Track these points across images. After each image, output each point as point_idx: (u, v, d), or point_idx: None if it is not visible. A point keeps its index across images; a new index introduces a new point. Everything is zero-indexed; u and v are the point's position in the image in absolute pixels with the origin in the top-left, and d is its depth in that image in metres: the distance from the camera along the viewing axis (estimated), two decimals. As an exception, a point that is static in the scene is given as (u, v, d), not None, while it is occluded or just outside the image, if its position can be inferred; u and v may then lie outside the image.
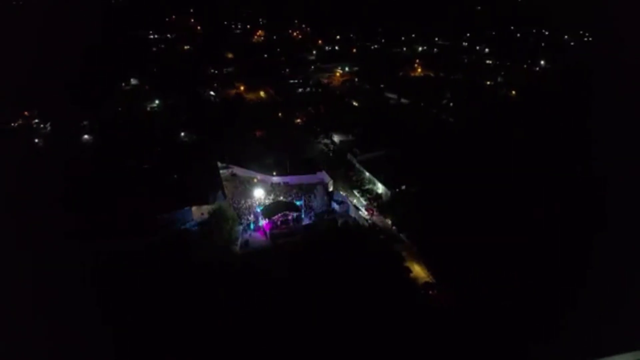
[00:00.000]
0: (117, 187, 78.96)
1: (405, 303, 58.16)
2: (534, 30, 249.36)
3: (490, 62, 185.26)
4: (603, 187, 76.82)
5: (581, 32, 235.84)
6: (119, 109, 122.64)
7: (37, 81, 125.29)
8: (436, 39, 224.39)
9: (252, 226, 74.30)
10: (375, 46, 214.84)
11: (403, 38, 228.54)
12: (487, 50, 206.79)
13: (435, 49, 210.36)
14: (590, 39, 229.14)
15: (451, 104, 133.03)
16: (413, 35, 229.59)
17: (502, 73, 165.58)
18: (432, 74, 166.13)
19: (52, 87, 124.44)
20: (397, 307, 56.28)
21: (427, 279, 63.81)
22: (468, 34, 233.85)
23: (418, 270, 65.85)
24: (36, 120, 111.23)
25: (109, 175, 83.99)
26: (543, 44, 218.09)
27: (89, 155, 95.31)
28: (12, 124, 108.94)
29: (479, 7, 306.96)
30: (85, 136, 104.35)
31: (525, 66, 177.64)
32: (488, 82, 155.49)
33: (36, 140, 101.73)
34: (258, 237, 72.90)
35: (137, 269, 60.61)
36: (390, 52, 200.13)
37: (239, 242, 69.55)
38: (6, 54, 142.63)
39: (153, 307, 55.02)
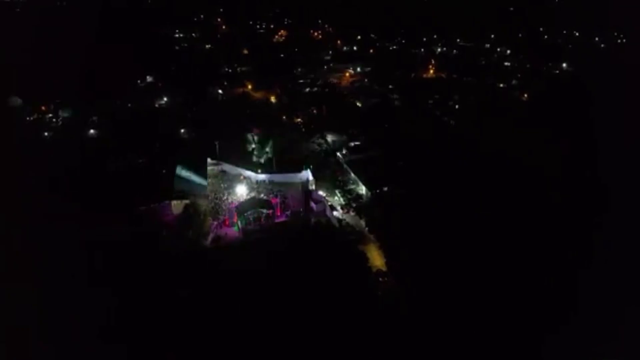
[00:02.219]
0: (107, 179, 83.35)
1: (357, 290, 60.41)
2: (565, 32, 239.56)
3: (509, 64, 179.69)
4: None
5: (615, 33, 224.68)
6: (129, 105, 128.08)
7: (57, 77, 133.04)
8: (458, 40, 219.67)
9: (227, 222, 76.36)
10: (394, 47, 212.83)
11: (425, 39, 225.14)
12: (508, 52, 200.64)
13: (454, 51, 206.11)
14: (624, 40, 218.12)
15: (456, 107, 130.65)
16: (435, 36, 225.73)
17: (518, 75, 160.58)
18: (444, 76, 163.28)
19: (70, 83, 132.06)
20: (349, 294, 58.96)
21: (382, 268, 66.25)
22: (492, 35, 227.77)
23: (379, 265, 67.55)
24: (50, 115, 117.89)
25: (103, 168, 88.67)
26: (570, 46, 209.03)
27: (90, 149, 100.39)
28: (28, 118, 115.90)
29: (512, 8, 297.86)
30: (91, 131, 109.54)
31: (545, 68, 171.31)
32: (501, 85, 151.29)
33: (45, 134, 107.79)
34: (232, 232, 74.91)
35: (109, 258, 64.04)
36: (407, 53, 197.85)
37: (210, 237, 71.69)
38: (27, 49, 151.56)
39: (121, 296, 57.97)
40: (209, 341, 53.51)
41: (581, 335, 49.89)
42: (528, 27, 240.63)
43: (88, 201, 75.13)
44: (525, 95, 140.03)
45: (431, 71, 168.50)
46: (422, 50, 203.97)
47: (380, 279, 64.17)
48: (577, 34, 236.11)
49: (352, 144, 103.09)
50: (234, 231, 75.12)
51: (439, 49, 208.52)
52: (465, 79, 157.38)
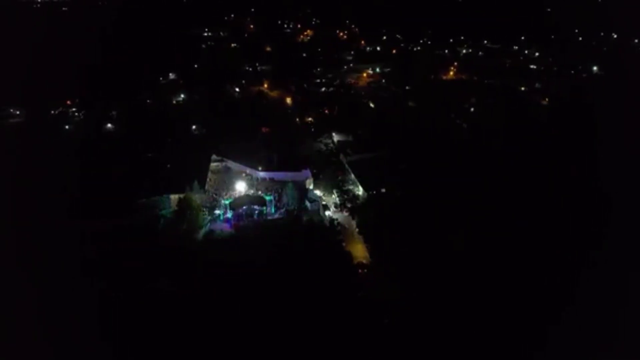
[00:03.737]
0: (115, 172, 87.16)
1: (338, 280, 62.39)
2: (602, 34, 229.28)
3: (535, 66, 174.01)
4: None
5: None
6: (148, 101, 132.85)
7: (82, 72, 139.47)
8: (485, 41, 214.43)
9: (222, 217, 78.25)
10: (418, 48, 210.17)
11: (451, 40, 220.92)
12: (537, 54, 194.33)
13: (480, 52, 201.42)
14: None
15: (472, 109, 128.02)
16: (462, 37, 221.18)
17: (543, 79, 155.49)
18: (465, 78, 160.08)
19: (95, 79, 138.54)
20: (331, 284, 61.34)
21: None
22: (523, 37, 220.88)
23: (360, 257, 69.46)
24: (73, 109, 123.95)
25: (113, 161, 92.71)
26: (605, 49, 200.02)
27: (105, 143, 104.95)
28: (53, 112, 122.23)
29: (549, 9, 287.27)
30: (108, 125, 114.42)
31: (573, 72, 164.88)
32: (522, 88, 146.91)
33: (67, 127, 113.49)
34: (225, 227, 76.66)
35: (107, 248, 67.10)
36: (431, 54, 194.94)
37: (202, 231, 73.73)
38: (56, 46, 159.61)
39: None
40: (191, 330, 55.16)
41: (581, 336, 49.90)
42: (562, 28, 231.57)
43: (94, 191, 79.23)
44: (546, 99, 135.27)
45: (451, 73, 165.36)
46: (446, 51, 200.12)
47: (360, 271, 65.98)
48: (615, 35, 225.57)
49: (356, 144, 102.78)
50: (227, 226, 76.76)
51: (464, 51, 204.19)
52: (486, 82, 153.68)
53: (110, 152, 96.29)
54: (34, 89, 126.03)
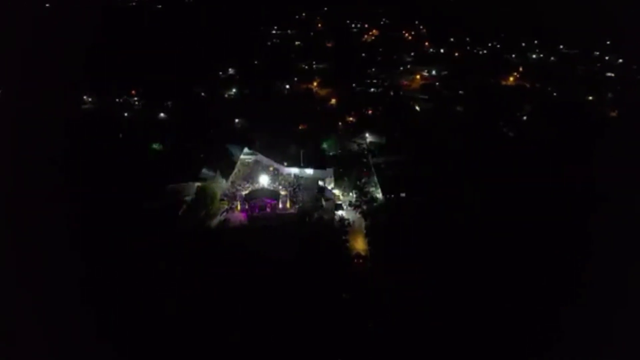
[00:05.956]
0: (155, 157, 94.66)
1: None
2: None
3: (613, 74, 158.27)
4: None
5: None
6: (202, 94, 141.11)
7: (149, 64, 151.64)
8: (561, 46, 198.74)
9: (239, 207, 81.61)
10: (484, 51, 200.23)
11: (523, 44, 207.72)
12: (620, 60, 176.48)
13: (552, 57, 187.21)
14: None
15: (524, 118, 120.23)
16: (535, 42, 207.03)
17: (618, 88, 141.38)
18: (527, 85, 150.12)
19: (160, 71, 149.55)
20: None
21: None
22: (608, 42, 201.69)
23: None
24: (135, 98, 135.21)
25: (157, 148, 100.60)
26: None
27: (156, 131, 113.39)
28: (118, 100, 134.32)
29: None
30: (162, 114, 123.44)
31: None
32: (590, 98, 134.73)
33: (125, 114, 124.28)
34: (240, 217, 79.92)
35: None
36: (496, 59, 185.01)
37: (216, 219, 77.54)
38: (130, 39, 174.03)
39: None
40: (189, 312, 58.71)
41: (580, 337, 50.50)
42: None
43: (131, 174, 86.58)
44: (615, 112, 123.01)
45: (511, 79, 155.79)
46: (513, 55, 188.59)
47: (356, 261, 67.94)
48: None
49: (388, 146, 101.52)
50: (243, 217, 79.95)
51: (535, 55, 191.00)
52: (549, 89, 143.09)
53: (153, 140, 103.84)
54: (106, 80, 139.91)
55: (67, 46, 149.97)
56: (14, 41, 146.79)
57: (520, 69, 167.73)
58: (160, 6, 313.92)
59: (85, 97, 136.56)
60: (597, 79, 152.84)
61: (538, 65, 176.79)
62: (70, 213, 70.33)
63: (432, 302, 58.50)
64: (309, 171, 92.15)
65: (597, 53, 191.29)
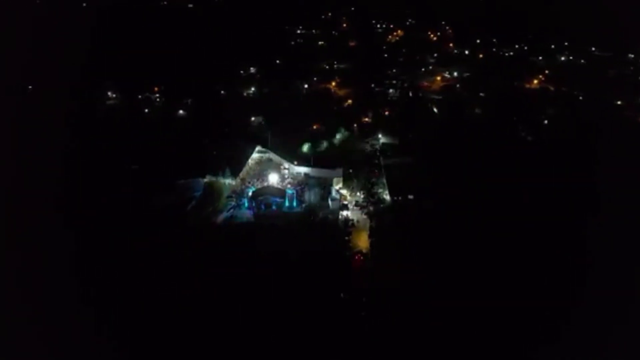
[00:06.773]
0: (168, 153, 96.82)
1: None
2: None
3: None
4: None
5: None
6: (222, 92, 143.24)
7: (174, 62, 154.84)
8: (593, 48, 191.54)
9: (246, 204, 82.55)
10: (510, 53, 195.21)
11: (553, 46, 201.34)
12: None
13: (582, 60, 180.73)
14: None
15: (545, 122, 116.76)
16: (565, 44, 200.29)
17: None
18: (552, 88, 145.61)
19: (184, 69, 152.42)
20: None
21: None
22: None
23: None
24: (157, 95, 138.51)
25: (172, 144, 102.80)
26: None
27: (172, 127, 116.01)
28: (139, 96, 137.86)
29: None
30: (180, 111, 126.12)
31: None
32: (619, 102, 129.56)
33: (146, 110, 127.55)
34: (247, 214, 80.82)
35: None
36: (522, 61, 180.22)
37: (222, 215, 78.70)
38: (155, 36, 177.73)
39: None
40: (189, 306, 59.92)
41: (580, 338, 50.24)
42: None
43: (143, 170, 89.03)
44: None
45: (535, 82, 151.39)
46: (540, 58, 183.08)
47: (357, 257, 68.15)
48: None
49: (400, 147, 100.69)
50: (249, 213, 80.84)
51: (563, 58, 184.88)
52: (575, 93, 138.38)
53: (169, 136, 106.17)
54: (129, 76, 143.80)
55: (94, 44, 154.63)
56: (43, 40, 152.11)
57: (546, 71, 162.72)
58: (191, 5, 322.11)
59: (109, 94, 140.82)
60: (628, 83, 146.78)
61: (566, 68, 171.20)
62: (80, 207, 72.91)
63: (432, 302, 57.93)
64: (318, 170, 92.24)
65: (632, 56, 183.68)
